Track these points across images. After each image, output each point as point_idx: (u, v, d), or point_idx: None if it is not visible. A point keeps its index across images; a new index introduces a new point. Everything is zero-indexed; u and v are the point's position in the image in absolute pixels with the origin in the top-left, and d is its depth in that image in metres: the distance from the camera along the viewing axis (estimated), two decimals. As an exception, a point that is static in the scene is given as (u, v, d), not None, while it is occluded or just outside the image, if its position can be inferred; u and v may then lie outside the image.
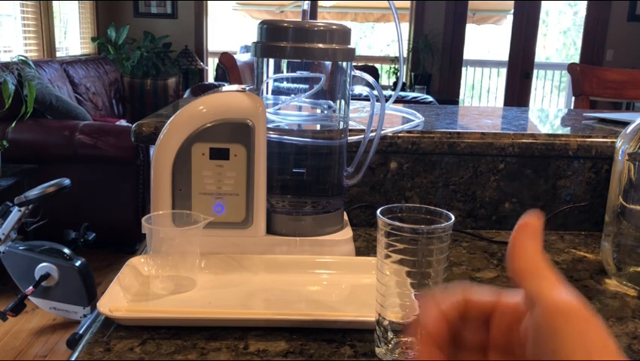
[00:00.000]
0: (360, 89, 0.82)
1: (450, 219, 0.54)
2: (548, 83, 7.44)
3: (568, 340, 0.29)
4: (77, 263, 2.08)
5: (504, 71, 6.36)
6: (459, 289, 0.36)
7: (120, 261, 0.85)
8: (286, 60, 0.78)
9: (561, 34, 8.37)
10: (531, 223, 0.34)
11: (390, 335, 0.55)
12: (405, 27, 6.17)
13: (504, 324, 0.34)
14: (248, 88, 0.77)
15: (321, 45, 0.74)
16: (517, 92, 6.12)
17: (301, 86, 0.80)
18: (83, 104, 4.02)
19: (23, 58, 2.96)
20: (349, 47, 0.76)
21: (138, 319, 0.61)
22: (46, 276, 2.07)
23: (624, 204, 0.78)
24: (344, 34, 0.76)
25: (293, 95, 0.81)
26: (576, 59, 6.32)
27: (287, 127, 0.83)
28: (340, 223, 0.82)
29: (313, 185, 0.87)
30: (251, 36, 0.86)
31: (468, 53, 6.23)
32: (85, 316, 2.12)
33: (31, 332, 2.36)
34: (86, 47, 5.33)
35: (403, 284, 0.53)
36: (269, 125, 0.80)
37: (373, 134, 0.85)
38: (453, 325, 0.36)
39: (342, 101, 0.81)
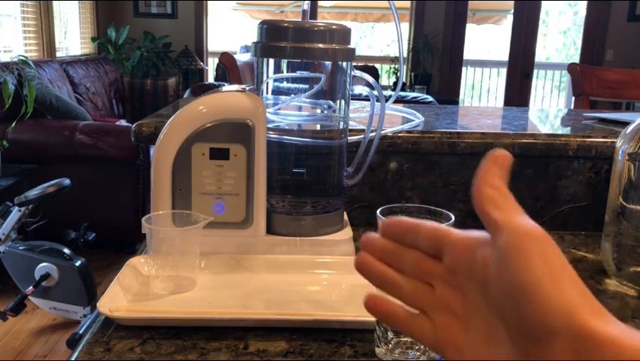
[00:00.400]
0: (360, 89, 0.82)
1: (450, 219, 0.54)
2: (548, 83, 7.44)
3: (532, 258, 0.30)
4: (77, 263, 2.08)
5: (504, 71, 6.37)
6: (409, 219, 0.39)
7: (120, 261, 0.85)
8: (286, 60, 0.78)
9: (561, 34, 8.38)
10: (499, 157, 0.35)
11: (390, 335, 0.55)
12: (405, 27, 6.17)
13: (454, 255, 0.35)
14: (248, 88, 0.77)
15: (321, 45, 0.74)
16: (517, 92, 6.12)
17: (301, 86, 0.80)
18: (83, 104, 4.02)
19: (23, 58, 2.97)
20: (349, 47, 0.76)
21: (138, 319, 0.61)
22: (46, 276, 2.08)
23: (624, 204, 0.78)
24: (344, 34, 0.76)
25: (293, 95, 0.81)
26: (576, 59, 6.32)
27: (287, 127, 0.83)
28: (340, 223, 0.82)
29: (313, 185, 0.87)
30: (251, 36, 0.86)
31: (468, 53, 6.24)
32: (85, 316, 2.12)
33: (31, 332, 2.36)
34: (86, 47, 5.33)
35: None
36: (269, 125, 0.80)
37: (373, 134, 0.85)
38: (397, 241, 0.39)
39: (342, 101, 0.81)
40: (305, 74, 0.79)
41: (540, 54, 7.18)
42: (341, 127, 0.83)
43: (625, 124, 0.91)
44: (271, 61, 0.79)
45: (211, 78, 5.93)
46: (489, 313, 0.33)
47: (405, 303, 0.38)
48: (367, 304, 0.40)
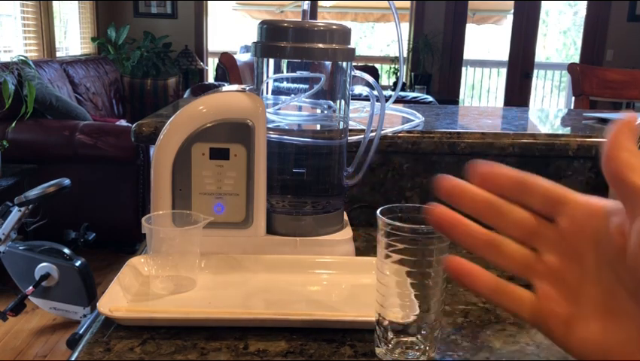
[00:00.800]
0: (360, 89, 0.82)
1: (450, 219, 0.54)
2: (548, 83, 7.44)
3: None
4: (77, 263, 2.08)
5: (504, 71, 6.37)
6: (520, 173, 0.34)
7: (120, 261, 0.85)
8: (286, 60, 0.78)
9: (561, 34, 8.38)
10: (627, 120, 0.32)
11: (390, 335, 0.55)
12: (405, 27, 6.17)
13: (575, 220, 0.32)
14: (248, 88, 0.77)
15: (321, 45, 0.74)
16: (517, 92, 6.12)
17: (301, 86, 0.80)
18: (83, 104, 4.02)
19: (23, 58, 2.97)
20: (349, 47, 0.76)
21: (138, 319, 0.61)
22: (46, 276, 2.07)
23: (624, 204, 0.78)
24: (344, 34, 0.76)
25: (293, 95, 0.81)
26: (576, 59, 6.32)
27: (287, 127, 0.83)
28: (340, 223, 0.82)
29: (313, 185, 0.87)
30: (251, 36, 0.86)
31: (468, 53, 6.23)
32: (85, 316, 2.12)
33: (31, 332, 2.36)
34: (86, 47, 5.33)
35: (403, 284, 0.53)
36: (269, 125, 0.80)
37: (373, 134, 0.85)
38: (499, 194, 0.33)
39: (342, 101, 0.81)
40: (305, 74, 0.79)
41: (540, 54, 7.18)
42: (341, 127, 0.83)
43: (625, 124, 0.91)
44: (271, 61, 0.79)
45: (211, 78, 5.93)
46: (613, 284, 0.30)
47: (502, 266, 0.33)
48: (450, 266, 0.34)
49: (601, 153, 0.31)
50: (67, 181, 2.22)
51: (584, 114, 1.26)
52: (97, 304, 0.61)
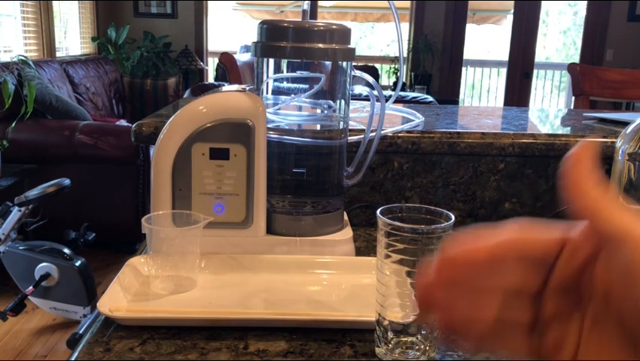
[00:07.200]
0: (360, 89, 0.82)
1: (450, 219, 0.54)
2: (548, 83, 7.44)
3: None
4: (77, 263, 2.08)
5: (504, 71, 6.36)
6: (513, 227, 0.32)
7: (120, 261, 0.85)
8: (286, 60, 0.78)
9: (561, 34, 8.38)
10: (582, 153, 0.30)
11: (390, 335, 0.55)
12: (405, 27, 6.17)
13: (575, 262, 0.30)
14: (248, 88, 0.77)
15: (321, 45, 0.74)
16: (517, 92, 6.12)
17: (301, 86, 0.80)
18: (83, 104, 4.02)
19: (23, 58, 2.97)
20: (349, 46, 0.76)
21: (138, 319, 0.61)
22: (46, 276, 2.07)
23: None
24: (344, 34, 0.76)
25: (293, 95, 0.81)
26: (576, 59, 6.32)
27: (287, 127, 0.83)
28: (340, 223, 0.82)
29: (313, 185, 0.87)
30: (251, 36, 0.86)
31: (468, 53, 6.23)
32: (85, 316, 2.12)
33: (31, 332, 2.36)
34: (87, 47, 5.33)
35: (403, 284, 0.53)
36: (269, 125, 0.80)
37: (373, 134, 0.85)
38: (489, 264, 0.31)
39: (342, 101, 0.81)
40: (305, 74, 0.79)
41: (541, 54, 7.18)
42: (341, 127, 0.83)
43: (625, 124, 0.91)
44: (271, 61, 0.79)
45: (211, 78, 5.93)
46: (608, 322, 0.28)
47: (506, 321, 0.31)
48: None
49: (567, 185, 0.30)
50: (67, 181, 2.22)
51: (584, 114, 1.26)
52: (97, 304, 0.61)
